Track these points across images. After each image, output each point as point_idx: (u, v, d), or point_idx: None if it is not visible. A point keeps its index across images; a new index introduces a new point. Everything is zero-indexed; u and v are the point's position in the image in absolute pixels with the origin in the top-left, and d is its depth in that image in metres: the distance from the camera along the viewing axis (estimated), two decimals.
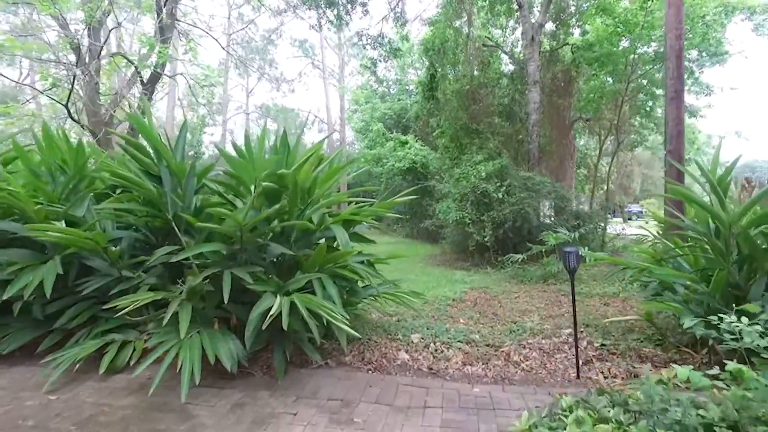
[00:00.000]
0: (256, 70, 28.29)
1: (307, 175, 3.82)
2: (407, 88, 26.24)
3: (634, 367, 3.76)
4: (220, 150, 4.18)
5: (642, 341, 4.32)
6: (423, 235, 18.11)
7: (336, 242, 4.03)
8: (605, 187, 21.81)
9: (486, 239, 9.84)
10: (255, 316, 3.07)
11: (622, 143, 15.18)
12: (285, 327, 2.95)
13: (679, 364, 3.76)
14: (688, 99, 15.14)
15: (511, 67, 15.29)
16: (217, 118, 33.49)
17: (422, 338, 4.59)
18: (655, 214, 8.38)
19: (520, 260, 8.64)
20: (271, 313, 2.90)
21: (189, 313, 3.10)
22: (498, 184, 10.24)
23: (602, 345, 4.32)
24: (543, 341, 4.55)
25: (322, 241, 4.02)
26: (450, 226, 11.32)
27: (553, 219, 10.63)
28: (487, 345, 4.48)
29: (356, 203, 4.82)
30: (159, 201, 3.63)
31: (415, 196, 5.70)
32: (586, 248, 8.31)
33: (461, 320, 5.70)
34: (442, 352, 4.22)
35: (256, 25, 30.33)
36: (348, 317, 3.66)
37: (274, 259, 4.00)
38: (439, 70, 15.73)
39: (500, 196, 9.92)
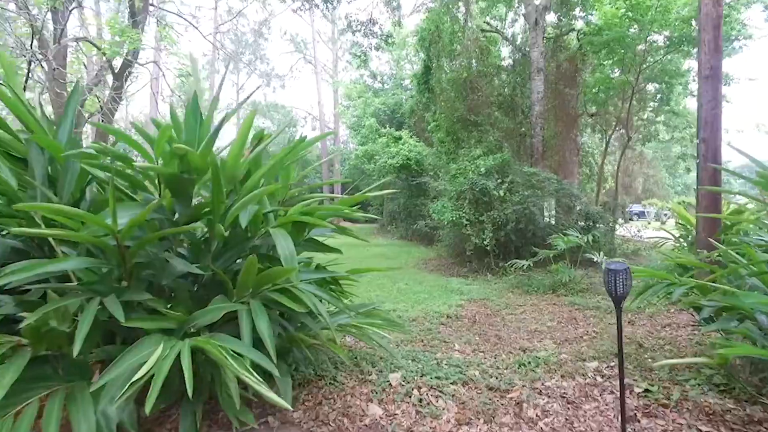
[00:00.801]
0: (245, 64, 27.15)
1: (236, 160, 2.70)
2: (402, 82, 25.12)
3: (700, 431, 2.65)
4: (134, 125, 3.08)
5: (700, 384, 3.20)
6: (418, 237, 16.98)
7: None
8: (607, 186, 20.73)
9: (485, 242, 8.73)
10: (118, 373, 1.93)
11: (632, 139, 14.08)
12: (189, 392, 1.83)
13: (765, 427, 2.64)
14: None
15: (512, 60, 14.19)
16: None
17: (404, 379, 3.46)
18: (681, 214, 7.29)
19: (525, 267, 7.52)
20: (137, 375, 1.77)
21: (18, 370, 1.95)
22: (499, 180, 9.14)
23: (647, 391, 3.20)
24: (564, 384, 3.43)
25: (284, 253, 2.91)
26: (445, 228, 10.21)
27: (560, 220, 9.53)
28: (491, 389, 3.36)
29: (317, 201, 3.67)
30: (14, 193, 2.48)
31: (394, 191, 4.50)
32: (600, 253, 7.20)
33: (456, 346, 4.58)
34: (429, 403, 3.09)
35: (246, 16, 29.16)
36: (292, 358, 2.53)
37: (187, 280, 2.85)
38: (435, 61, 14.61)
39: (501, 194, 8.81)
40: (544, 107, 11.47)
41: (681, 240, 8.26)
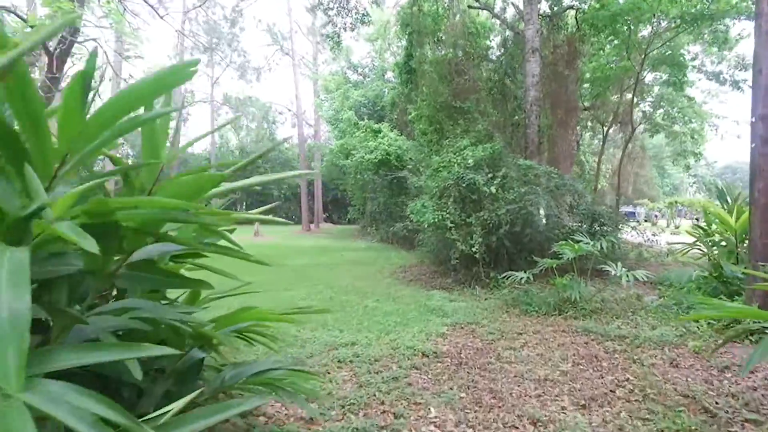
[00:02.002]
0: (214, 51, 25.35)
1: None
2: (384, 74, 23.59)
3: None
4: None
5: None
6: (399, 240, 15.44)
7: None
8: (599, 186, 19.34)
9: (474, 249, 7.23)
10: None
11: (634, 133, 12.72)
12: None
13: None
14: (722, 68, 12.70)
15: (503, 40, 12.73)
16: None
17: None
18: (719, 216, 5.87)
19: (523, 280, 6.02)
20: None
21: None
22: (490, 175, 7.65)
23: None
24: None
25: None
26: (426, 231, 8.69)
27: (560, 222, 8.07)
28: None
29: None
30: None
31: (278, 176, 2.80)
32: (619, 265, 5.74)
33: (432, 412, 3.05)
34: None
35: (218, 4, 27.35)
36: None
37: None
38: (419, 49, 13.10)
39: (493, 191, 7.32)
40: (540, 93, 10.02)
41: (710, 246, 6.85)
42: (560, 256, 5.95)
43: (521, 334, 4.94)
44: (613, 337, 4.69)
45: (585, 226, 7.83)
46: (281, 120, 43.14)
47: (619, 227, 8.46)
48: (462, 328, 5.23)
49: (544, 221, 7.43)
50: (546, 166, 8.30)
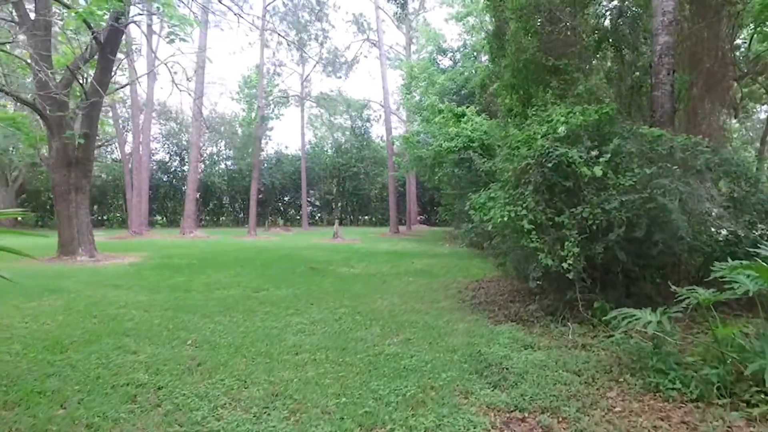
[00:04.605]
0: (294, 45, 24.51)
1: None
2: (474, 55, 20.80)
3: None
4: None
5: None
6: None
7: None
8: None
9: (566, 265, 4.59)
10: None
11: None
12: None
13: None
14: None
15: None
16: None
17: None
18: None
19: (652, 325, 3.30)
20: None
21: None
22: (593, 149, 4.94)
23: None
24: None
25: None
26: (496, 235, 6.13)
27: (710, 223, 5.08)
28: None
29: None
30: None
31: None
32: None
33: None
34: None
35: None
36: None
37: None
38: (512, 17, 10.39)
39: (598, 174, 4.63)
40: (673, 38, 6.92)
41: None
42: (732, 285, 3.17)
43: None
44: None
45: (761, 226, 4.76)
46: (375, 117, 41.86)
47: None
48: (525, 422, 2.77)
49: (685, 221, 4.54)
50: (686, 136, 5.32)
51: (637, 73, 7.46)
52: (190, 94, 14.77)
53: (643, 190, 4.64)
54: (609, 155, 4.82)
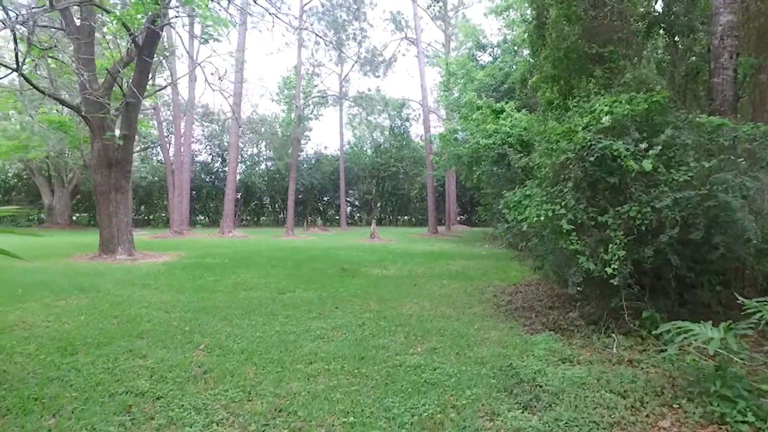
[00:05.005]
0: (332, 45, 24.49)
1: None
2: (515, 49, 20.05)
3: None
4: None
5: None
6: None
7: None
8: None
9: (610, 269, 4.12)
10: None
11: None
12: None
13: None
14: None
15: None
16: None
17: None
18: None
19: (712, 346, 2.84)
20: None
21: None
22: (641, 142, 4.43)
23: None
24: None
25: None
26: (531, 237, 5.66)
27: None
28: None
29: None
30: None
31: None
32: None
33: None
34: None
35: None
36: None
37: None
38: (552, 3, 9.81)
39: (648, 168, 4.13)
40: (739, 18, 6.25)
41: None
42: None
43: None
44: None
45: None
46: (414, 116, 41.41)
47: None
48: None
49: (753, 221, 3.97)
50: (754, 124, 4.69)
51: (693, 59, 6.79)
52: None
53: (701, 186, 4.10)
54: (660, 147, 4.30)
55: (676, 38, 7.18)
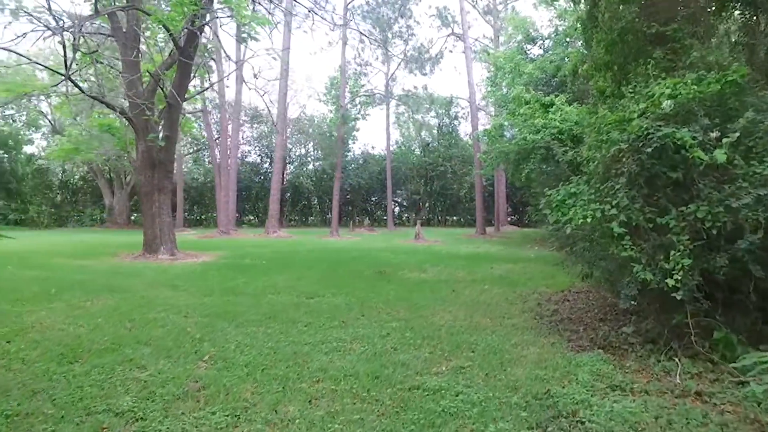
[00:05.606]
0: (378, 44, 24.17)
1: None
2: (566, 40, 18.91)
3: None
4: None
5: None
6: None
7: None
8: None
9: (672, 281, 3.46)
10: None
11: None
12: None
13: None
14: None
15: None
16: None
17: None
18: None
19: None
20: None
21: None
22: (712, 129, 3.72)
23: None
24: None
25: None
26: (578, 240, 5.00)
27: None
28: None
29: None
30: None
31: None
32: None
33: None
34: None
35: None
36: None
37: None
38: None
39: (721, 160, 3.43)
40: None
41: None
42: None
43: None
44: None
45: None
46: (462, 114, 40.40)
47: None
48: None
49: None
50: None
51: None
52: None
53: None
54: (737, 135, 3.58)
55: (757, 13, 6.23)
